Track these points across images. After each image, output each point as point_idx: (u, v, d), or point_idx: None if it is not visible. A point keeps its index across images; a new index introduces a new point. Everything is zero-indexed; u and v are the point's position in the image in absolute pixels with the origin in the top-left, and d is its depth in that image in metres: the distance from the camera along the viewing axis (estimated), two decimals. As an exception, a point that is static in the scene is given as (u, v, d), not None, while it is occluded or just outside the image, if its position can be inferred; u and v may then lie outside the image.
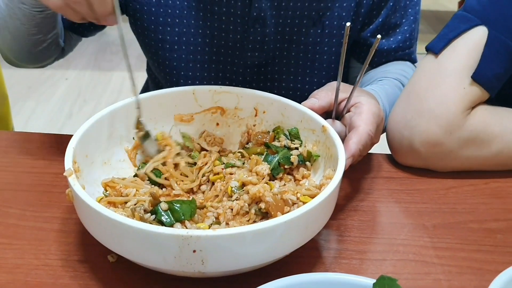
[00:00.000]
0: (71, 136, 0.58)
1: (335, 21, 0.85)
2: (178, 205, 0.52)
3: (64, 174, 0.51)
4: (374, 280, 0.46)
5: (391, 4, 0.87)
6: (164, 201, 0.53)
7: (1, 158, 0.72)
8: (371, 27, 0.88)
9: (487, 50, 0.67)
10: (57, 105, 2.47)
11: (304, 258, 0.56)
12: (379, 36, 0.57)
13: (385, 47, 0.91)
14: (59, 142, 0.76)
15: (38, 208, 0.63)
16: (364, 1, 0.86)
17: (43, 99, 2.52)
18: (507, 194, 0.69)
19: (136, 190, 0.58)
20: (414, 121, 0.68)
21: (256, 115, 0.71)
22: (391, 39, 0.91)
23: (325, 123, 0.63)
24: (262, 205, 0.56)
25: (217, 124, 0.73)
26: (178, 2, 0.84)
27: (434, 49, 0.71)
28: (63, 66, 2.72)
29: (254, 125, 0.71)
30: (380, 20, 0.88)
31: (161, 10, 0.85)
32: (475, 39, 0.68)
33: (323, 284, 0.47)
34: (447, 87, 0.68)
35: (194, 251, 0.45)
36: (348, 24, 0.58)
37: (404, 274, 0.55)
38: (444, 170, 0.72)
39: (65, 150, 0.55)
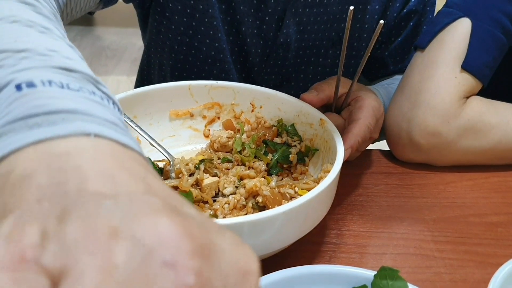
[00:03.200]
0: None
1: (355, 42, 0.84)
2: (174, 197, 0.51)
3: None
4: (375, 273, 0.45)
5: (411, 24, 0.85)
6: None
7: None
8: (389, 46, 0.86)
9: (474, 40, 0.68)
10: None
11: (303, 252, 0.55)
12: (382, 21, 0.56)
13: (398, 67, 0.88)
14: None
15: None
16: (394, 14, 0.84)
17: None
18: (507, 188, 0.69)
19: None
20: (410, 113, 0.68)
21: (252, 110, 0.71)
22: (406, 62, 0.86)
23: (323, 116, 0.63)
24: (260, 199, 0.55)
25: (218, 117, 0.72)
26: (210, 10, 0.79)
27: (421, 44, 0.72)
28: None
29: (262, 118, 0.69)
30: (399, 40, 0.86)
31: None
32: (460, 30, 0.69)
33: (324, 276, 0.46)
34: (439, 78, 0.67)
35: (191, 242, 0.44)
36: (351, 7, 0.56)
37: (405, 267, 0.54)
38: (444, 164, 0.71)
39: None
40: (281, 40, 0.80)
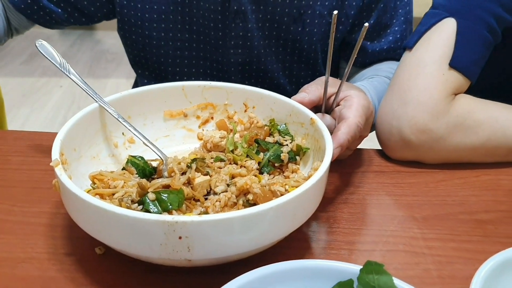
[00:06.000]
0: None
1: (316, 19, 0.86)
2: (165, 195, 0.52)
3: (51, 164, 0.51)
4: (361, 267, 0.46)
5: (381, 5, 0.88)
6: (151, 192, 0.52)
7: (-10, 156, 0.72)
8: (361, 29, 0.89)
9: (460, 38, 0.69)
10: (51, 113, 2.47)
11: (292, 249, 0.56)
12: (366, 24, 0.58)
13: (377, 48, 0.92)
14: (49, 140, 0.75)
15: (26, 203, 0.63)
16: (354, 3, 0.87)
17: (37, 106, 2.52)
18: (497, 186, 0.69)
19: (124, 182, 0.57)
20: (401, 110, 0.69)
21: (245, 111, 0.71)
22: (382, 40, 0.92)
23: (314, 115, 0.63)
24: (250, 197, 0.56)
25: (212, 118, 0.73)
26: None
27: (409, 44, 0.73)
28: (57, 74, 2.72)
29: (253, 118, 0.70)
30: (371, 22, 0.89)
31: (147, 6, 0.86)
32: (446, 30, 0.70)
33: (310, 270, 0.46)
34: (428, 76, 0.69)
35: (180, 237, 0.45)
36: (335, 12, 0.58)
37: (393, 264, 0.55)
38: (434, 161, 0.72)
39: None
40: (235, 7, 0.82)
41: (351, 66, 0.64)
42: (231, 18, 0.84)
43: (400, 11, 0.91)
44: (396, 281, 0.45)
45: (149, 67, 0.95)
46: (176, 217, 0.44)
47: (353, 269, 0.46)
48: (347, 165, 0.72)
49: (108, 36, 3.17)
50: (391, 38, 0.92)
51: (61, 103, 2.54)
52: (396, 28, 0.92)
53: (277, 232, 0.50)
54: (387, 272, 0.45)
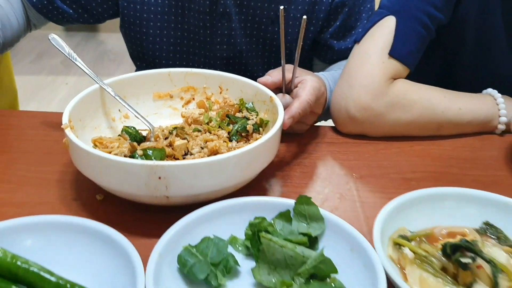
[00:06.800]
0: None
1: (291, 21, 1.01)
2: (150, 151, 0.67)
3: (62, 126, 0.66)
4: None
5: (346, 10, 1.02)
6: (139, 149, 0.68)
7: (10, 131, 0.88)
8: (330, 30, 1.04)
9: (398, 33, 0.84)
10: (57, 108, 2.63)
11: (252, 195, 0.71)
12: (304, 16, 0.73)
13: (342, 47, 1.06)
14: (58, 118, 0.90)
15: (41, 165, 0.78)
16: (323, 7, 1.01)
17: (45, 102, 2.68)
18: (427, 154, 0.84)
19: (119, 144, 0.72)
20: (348, 92, 0.84)
21: (220, 93, 0.86)
22: (347, 39, 1.06)
23: (273, 94, 0.78)
24: (219, 156, 0.70)
25: (193, 99, 0.88)
26: (159, 0, 1.00)
27: (357, 38, 0.89)
28: (63, 72, 2.90)
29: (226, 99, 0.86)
30: (337, 24, 1.03)
31: (145, 7, 1.01)
32: (387, 26, 0.85)
33: (259, 204, 0.62)
34: (371, 64, 0.83)
35: (160, 178, 0.60)
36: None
37: (330, 207, 0.70)
38: (377, 135, 0.86)
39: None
40: (221, 10, 0.97)
41: (298, 47, 0.78)
42: (218, 19, 0.99)
43: (363, 15, 1.05)
44: (322, 211, 0.60)
45: (146, 60, 1.09)
46: (156, 162, 0.59)
47: (290, 202, 0.61)
48: (304, 137, 0.87)
49: (110, 38, 3.35)
50: (355, 38, 1.07)
51: (67, 99, 2.67)
52: (360, 30, 1.07)
53: (237, 177, 0.64)
54: (314, 204, 0.60)
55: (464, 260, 0.52)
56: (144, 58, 1.10)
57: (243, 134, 0.79)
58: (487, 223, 0.62)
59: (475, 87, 0.93)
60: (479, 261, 0.52)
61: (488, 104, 0.88)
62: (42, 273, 0.52)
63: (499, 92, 0.90)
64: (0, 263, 0.52)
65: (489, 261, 0.53)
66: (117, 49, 3.20)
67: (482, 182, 0.77)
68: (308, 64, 1.13)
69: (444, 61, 1.03)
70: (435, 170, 0.80)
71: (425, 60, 0.98)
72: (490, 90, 0.90)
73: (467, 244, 0.54)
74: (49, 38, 0.82)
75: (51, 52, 3.14)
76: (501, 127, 0.87)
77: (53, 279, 0.52)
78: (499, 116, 0.87)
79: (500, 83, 0.92)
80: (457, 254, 0.53)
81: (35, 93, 2.75)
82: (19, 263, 0.52)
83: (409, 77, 0.88)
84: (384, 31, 0.86)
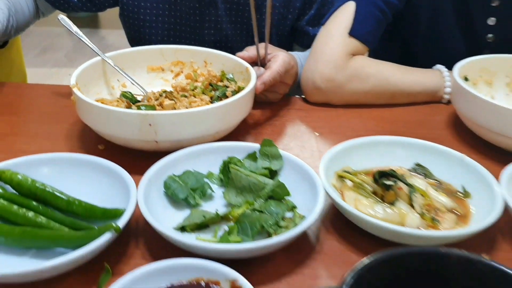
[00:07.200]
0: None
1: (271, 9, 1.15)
2: (143, 107, 0.81)
3: (70, 85, 0.80)
4: (262, 145, 0.75)
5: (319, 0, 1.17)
6: (134, 105, 0.82)
7: (23, 98, 1.02)
8: (305, 17, 1.18)
9: (357, 15, 0.98)
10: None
11: (228, 147, 0.85)
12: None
13: (317, 33, 1.20)
14: (64, 89, 1.05)
15: (51, 124, 0.92)
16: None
17: (48, 94, 2.83)
18: (381, 118, 0.98)
19: (117, 104, 0.87)
20: (314, 66, 0.98)
21: (205, 66, 1.01)
22: (321, 26, 1.20)
23: (248, 65, 0.93)
24: (201, 114, 0.85)
25: (182, 72, 1.02)
26: None
27: (323, 22, 1.03)
28: (67, 65, 3.06)
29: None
30: (312, 12, 1.18)
31: None
32: (348, 10, 1.00)
33: (230, 148, 0.76)
34: (334, 42, 0.98)
35: (150, 124, 0.74)
36: None
37: (293, 155, 0.84)
38: (339, 103, 1.01)
39: (69, 95, 0.83)
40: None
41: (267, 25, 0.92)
42: (206, 7, 1.14)
43: (336, 4, 1.20)
44: (281, 151, 0.74)
45: (143, 44, 1.23)
46: (147, 111, 0.74)
47: (257, 146, 0.76)
48: (277, 105, 1.01)
49: (111, 34, 3.51)
50: (322, 21, 1.22)
51: (69, 90, 2.85)
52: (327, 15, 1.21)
53: (215, 127, 0.78)
54: (275, 145, 0.74)
55: (387, 182, 0.66)
56: (141, 42, 1.24)
57: (223, 99, 0.93)
58: (417, 164, 0.76)
59: (431, 65, 1.07)
60: (400, 184, 0.67)
61: (436, 77, 1.02)
62: (55, 193, 0.66)
63: (448, 67, 1.04)
64: (21, 185, 0.66)
65: (408, 185, 0.67)
66: (118, 45, 3.35)
67: (426, 139, 0.91)
68: (288, 49, 1.28)
69: (404, 44, 1.17)
70: (387, 130, 0.94)
71: (387, 43, 1.12)
72: (438, 66, 1.05)
73: (391, 172, 0.68)
74: (59, 18, 0.96)
75: (55, 47, 3.31)
76: (447, 96, 1.01)
77: (64, 197, 0.66)
78: (445, 87, 1.01)
79: (451, 60, 1.06)
80: (383, 179, 0.67)
81: (40, 83, 2.91)
82: (37, 184, 0.66)
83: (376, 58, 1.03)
84: (345, 14, 1.00)
